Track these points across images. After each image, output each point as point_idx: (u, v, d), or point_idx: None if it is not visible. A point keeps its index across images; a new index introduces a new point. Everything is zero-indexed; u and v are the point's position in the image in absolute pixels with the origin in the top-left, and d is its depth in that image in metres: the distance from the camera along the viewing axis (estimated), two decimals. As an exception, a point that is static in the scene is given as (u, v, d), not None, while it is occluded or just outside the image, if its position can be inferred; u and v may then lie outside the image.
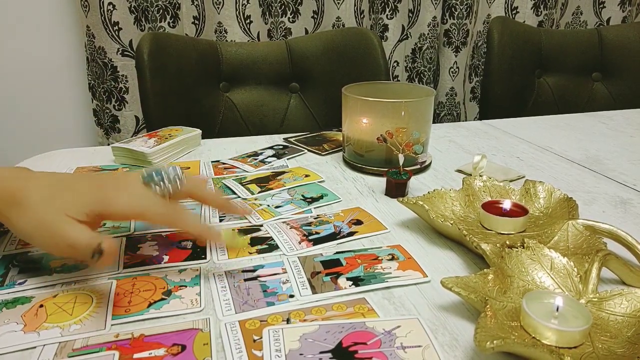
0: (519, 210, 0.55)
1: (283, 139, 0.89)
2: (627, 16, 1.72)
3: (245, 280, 0.46)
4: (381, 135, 0.66)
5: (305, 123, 1.17)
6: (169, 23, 1.38)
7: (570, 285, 0.43)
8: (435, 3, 1.59)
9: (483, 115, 1.33)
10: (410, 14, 1.61)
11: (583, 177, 0.73)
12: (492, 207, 0.56)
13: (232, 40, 1.43)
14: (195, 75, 1.08)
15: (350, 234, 0.55)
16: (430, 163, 0.77)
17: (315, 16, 1.52)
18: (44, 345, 0.38)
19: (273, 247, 0.51)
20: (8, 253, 0.50)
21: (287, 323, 0.40)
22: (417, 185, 0.69)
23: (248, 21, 1.43)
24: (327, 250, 0.51)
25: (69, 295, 0.43)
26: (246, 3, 1.41)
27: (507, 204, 0.56)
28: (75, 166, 0.74)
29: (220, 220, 0.57)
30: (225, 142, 0.88)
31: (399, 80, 1.66)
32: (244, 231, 0.55)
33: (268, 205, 0.61)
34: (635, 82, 1.35)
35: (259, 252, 0.51)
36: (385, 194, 0.66)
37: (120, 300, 0.42)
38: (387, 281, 0.46)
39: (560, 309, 0.38)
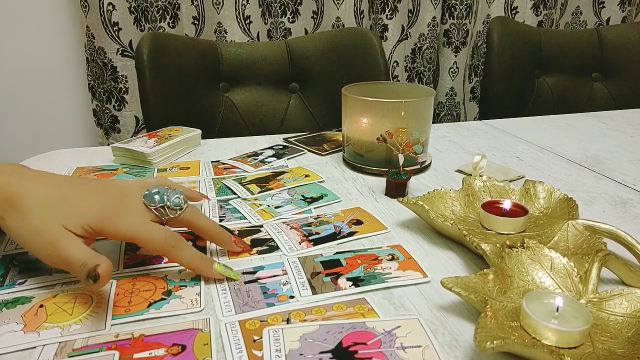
0: (519, 210, 0.55)
1: (283, 139, 0.89)
2: (626, 16, 1.72)
3: (246, 282, 0.46)
4: (381, 135, 0.66)
5: (305, 123, 1.17)
6: (168, 23, 1.38)
7: (570, 285, 0.43)
8: (435, 3, 1.59)
9: (483, 115, 1.33)
10: (410, 14, 1.61)
11: (583, 177, 0.73)
12: (492, 207, 0.56)
13: (232, 41, 1.43)
14: (195, 76, 1.08)
15: (351, 234, 0.55)
16: (430, 163, 0.77)
17: (315, 16, 1.52)
18: (44, 345, 0.38)
19: (273, 248, 0.51)
20: (8, 253, 0.50)
21: (287, 323, 0.40)
22: (417, 185, 0.69)
23: (248, 21, 1.43)
24: (327, 250, 0.51)
25: (69, 295, 0.43)
26: (246, 3, 1.41)
27: (507, 204, 0.56)
28: (75, 166, 0.74)
29: (221, 220, 0.57)
30: (225, 142, 0.88)
31: (398, 80, 1.66)
32: (244, 232, 0.55)
33: (268, 206, 0.61)
34: (635, 82, 1.35)
35: (259, 252, 0.51)
36: (385, 194, 0.66)
37: (120, 300, 0.42)
38: (387, 281, 0.46)
39: (560, 309, 0.38)
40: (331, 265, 0.48)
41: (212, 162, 0.77)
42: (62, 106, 1.48)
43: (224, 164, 0.76)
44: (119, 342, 0.38)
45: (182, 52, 1.06)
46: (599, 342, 0.37)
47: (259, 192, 0.65)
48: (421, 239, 0.54)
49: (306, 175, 0.71)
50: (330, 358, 0.36)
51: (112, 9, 1.30)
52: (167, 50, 1.03)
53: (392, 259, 0.50)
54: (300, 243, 0.52)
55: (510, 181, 0.69)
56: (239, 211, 0.60)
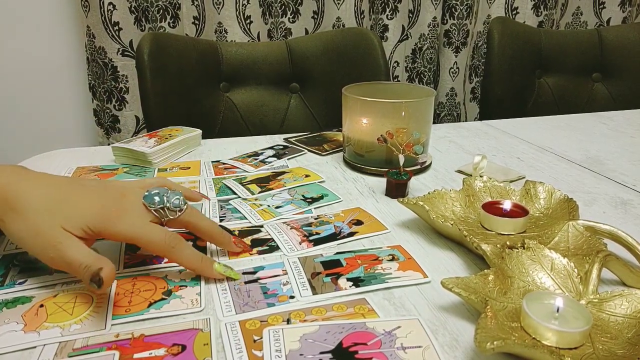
0: (519, 211, 0.55)
1: (283, 139, 0.89)
2: (627, 17, 1.72)
3: (246, 282, 0.46)
4: (381, 135, 0.66)
5: (305, 123, 1.17)
6: (169, 23, 1.38)
7: (570, 286, 0.43)
8: (436, 3, 1.59)
9: (483, 115, 1.33)
10: (411, 15, 1.62)
11: (583, 178, 0.73)
12: (492, 208, 0.56)
13: (232, 41, 1.43)
14: (196, 76, 1.08)
15: (351, 234, 0.55)
16: (431, 163, 0.77)
17: (316, 16, 1.52)
18: (44, 345, 0.38)
19: (273, 248, 0.51)
20: (8, 253, 0.50)
21: (288, 323, 0.40)
22: (418, 185, 0.69)
23: (248, 21, 1.43)
24: (328, 250, 0.51)
25: (69, 295, 0.43)
26: (246, 3, 1.41)
27: (507, 205, 0.56)
28: (76, 166, 0.74)
29: (221, 220, 0.57)
30: (225, 142, 0.88)
31: (399, 81, 1.66)
32: (244, 232, 0.55)
33: (268, 206, 0.61)
34: (635, 83, 1.35)
35: (260, 253, 0.51)
36: (385, 195, 0.66)
37: (121, 300, 0.42)
38: (387, 282, 0.46)
39: (560, 310, 0.38)
40: (331, 266, 0.48)
41: (212, 162, 0.77)
42: (62, 106, 1.48)
43: (224, 164, 0.76)
44: (119, 342, 0.38)
45: (182, 52, 1.06)
46: (599, 342, 0.37)
47: (260, 192, 0.65)
48: (421, 240, 0.54)
49: (306, 176, 0.71)
50: (330, 358, 0.36)
51: (112, 9, 1.30)
52: (168, 50, 1.03)
53: (393, 259, 0.50)
54: (300, 243, 0.52)
55: (511, 182, 0.69)
56: (239, 211, 0.60)
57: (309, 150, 0.83)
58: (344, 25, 1.52)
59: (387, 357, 0.36)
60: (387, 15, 1.58)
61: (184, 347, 0.37)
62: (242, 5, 1.41)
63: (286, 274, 0.47)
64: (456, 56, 1.68)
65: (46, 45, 1.41)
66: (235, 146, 0.85)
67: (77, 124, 1.51)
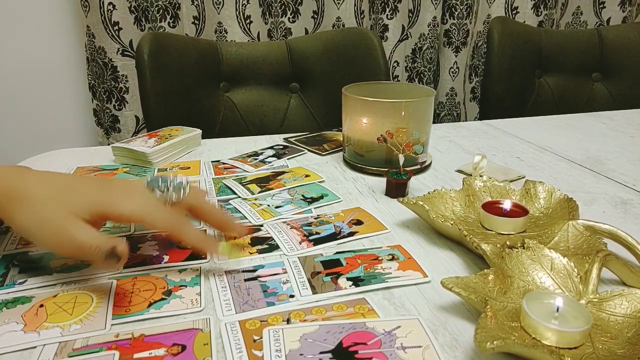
0: (519, 211, 0.55)
1: (283, 139, 0.89)
2: (627, 16, 1.72)
3: (246, 280, 0.46)
4: (381, 135, 0.66)
5: (305, 123, 1.17)
6: (169, 23, 1.38)
7: (570, 285, 0.43)
8: (436, 3, 1.59)
9: (483, 115, 1.33)
10: (410, 14, 1.61)
11: (583, 178, 0.73)
12: (492, 208, 0.56)
13: (232, 40, 1.43)
14: (196, 75, 1.08)
15: (351, 234, 0.55)
16: (431, 163, 0.77)
17: (315, 16, 1.52)
18: (44, 345, 0.38)
19: (273, 247, 0.51)
20: (8, 253, 0.50)
21: (287, 323, 0.40)
22: (417, 185, 0.69)
23: (248, 21, 1.43)
24: (328, 250, 0.51)
25: (69, 295, 0.43)
26: (246, 3, 1.41)
27: (507, 204, 0.56)
28: (76, 166, 0.74)
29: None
30: (225, 142, 0.88)
31: (399, 81, 1.66)
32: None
33: (268, 205, 0.61)
34: (635, 82, 1.35)
35: (259, 252, 0.51)
36: (385, 194, 0.66)
37: (121, 300, 0.42)
38: (387, 281, 0.46)
39: (560, 310, 0.38)
40: (331, 265, 0.48)
41: (212, 162, 0.77)
42: (62, 106, 1.48)
43: (224, 163, 0.76)
44: (119, 342, 0.38)
45: (182, 52, 1.06)
46: (599, 342, 0.37)
47: (259, 192, 0.65)
48: (421, 239, 0.54)
49: (306, 175, 0.71)
50: (330, 358, 0.36)
51: (112, 9, 1.30)
52: (168, 50, 1.03)
53: (392, 259, 0.50)
54: (300, 243, 0.52)
55: (511, 181, 0.69)
56: (239, 211, 0.60)
57: (309, 150, 0.83)
58: (344, 25, 1.52)
59: (387, 357, 0.36)
60: (387, 15, 1.58)
61: (184, 347, 0.37)
62: (242, 5, 1.41)
63: (286, 272, 0.47)
64: (456, 56, 1.68)
65: (46, 45, 1.41)
66: (235, 146, 0.85)
67: (77, 124, 1.51)
